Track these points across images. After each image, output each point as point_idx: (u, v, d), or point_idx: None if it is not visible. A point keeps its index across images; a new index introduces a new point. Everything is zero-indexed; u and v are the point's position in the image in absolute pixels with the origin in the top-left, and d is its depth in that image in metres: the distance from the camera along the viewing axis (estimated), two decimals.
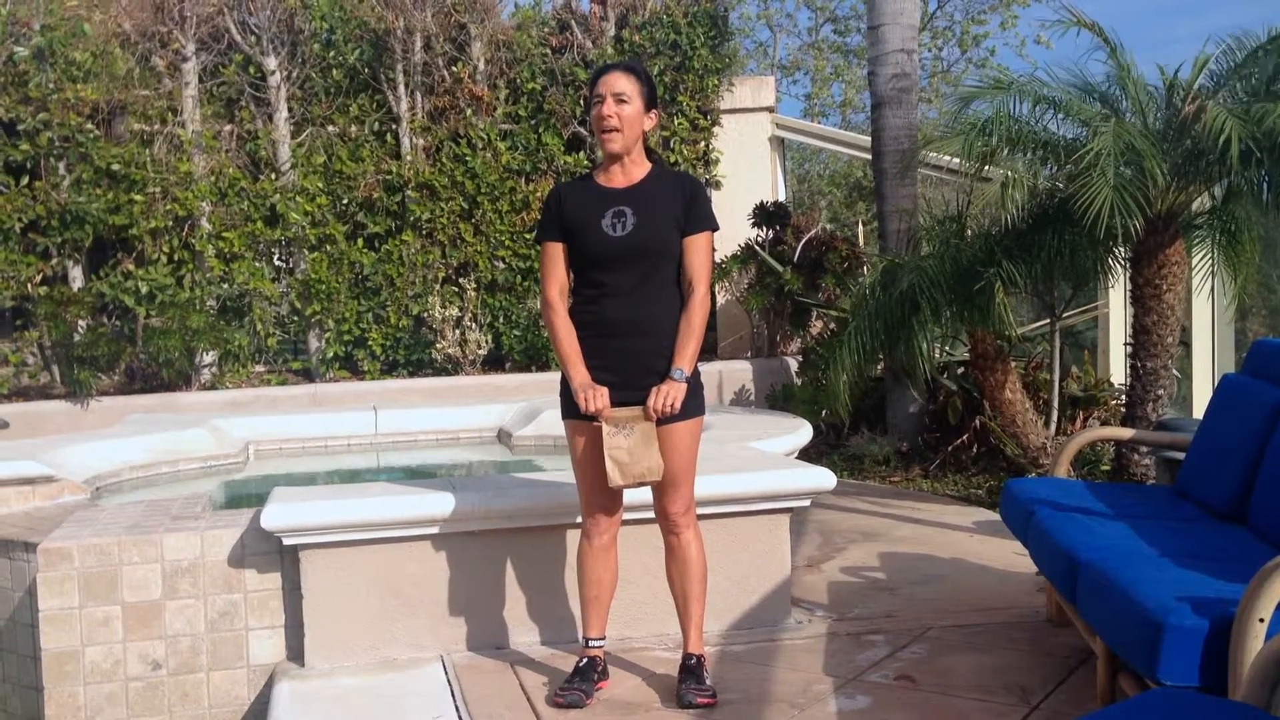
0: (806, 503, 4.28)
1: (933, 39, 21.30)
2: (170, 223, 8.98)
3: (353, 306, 9.46)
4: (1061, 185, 5.90)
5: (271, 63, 9.40)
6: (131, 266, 8.91)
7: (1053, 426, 6.49)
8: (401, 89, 9.59)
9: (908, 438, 7.72)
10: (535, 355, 9.52)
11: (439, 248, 9.53)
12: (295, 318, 9.53)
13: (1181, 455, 4.51)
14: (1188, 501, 4.03)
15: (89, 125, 8.71)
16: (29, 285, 8.64)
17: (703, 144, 9.96)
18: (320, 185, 9.36)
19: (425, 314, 9.46)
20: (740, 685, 3.57)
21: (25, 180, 8.65)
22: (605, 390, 3.31)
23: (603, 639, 3.58)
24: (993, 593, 4.57)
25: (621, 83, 3.37)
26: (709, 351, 9.69)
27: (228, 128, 9.46)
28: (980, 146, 5.73)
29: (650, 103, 3.44)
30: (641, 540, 3.98)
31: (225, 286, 9.21)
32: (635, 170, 3.44)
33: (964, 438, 7.29)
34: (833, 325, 8.69)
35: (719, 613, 4.08)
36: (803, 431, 5.82)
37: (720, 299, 9.87)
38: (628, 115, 3.37)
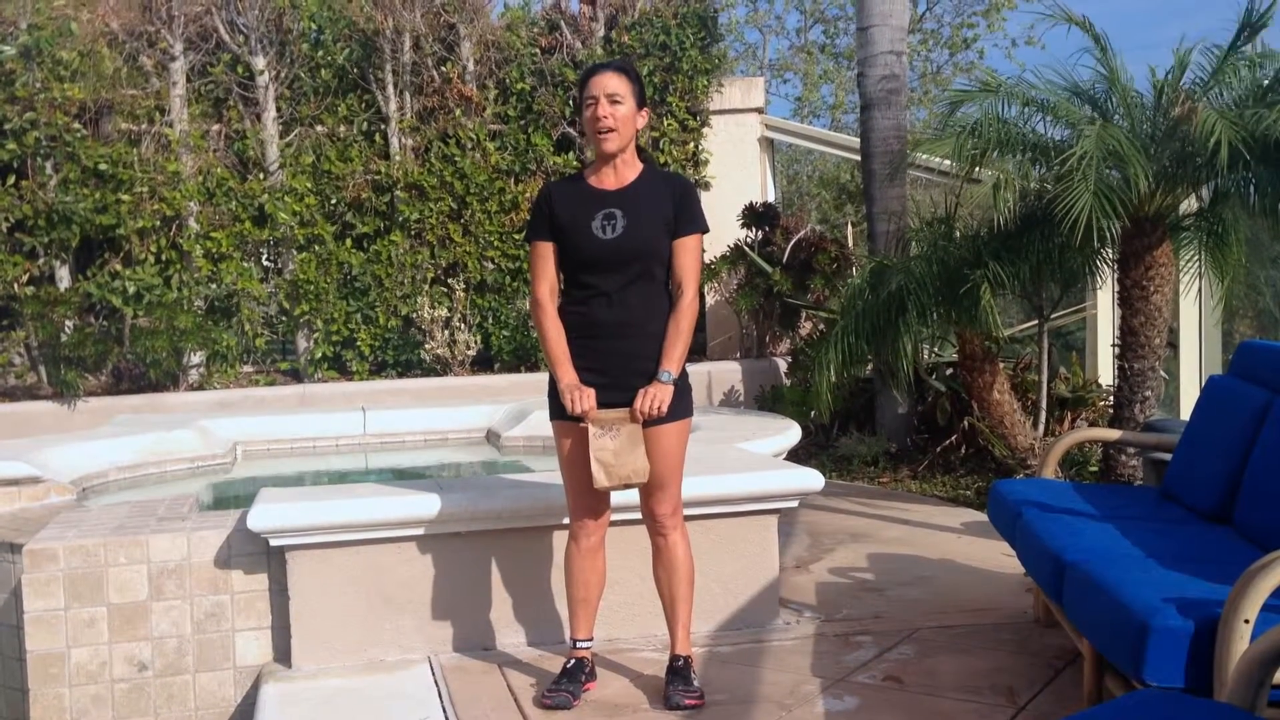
0: (794, 504, 4.28)
1: (921, 42, 21.35)
2: (158, 222, 8.95)
3: (341, 307, 9.44)
4: (1050, 187, 5.92)
5: (260, 62, 9.38)
6: (119, 266, 8.88)
7: (1041, 427, 6.51)
8: (390, 89, 9.57)
9: (896, 439, 7.73)
10: (524, 356, 9.51)
11: (428, 248, 9.51)
12: (283, 318, 9.51)
13: (1168, 456, 4.52)
14: (1174, 503, 4.04)
15: (76, 125, 8.68)
16: (15, 285, 8.60)
17: (692, 145, 9.96)
18: (309, 185, 9.34)
19: (414, 314, 9.45)
20: (727, 686, 3.57)
21: (12, 180, 8.61)
22: (592, 391, 3.31)
23: (590, 640, 3.58)
24: (980, 594, 4.57)
25: (614, 83, 3.37)
26: (698, 352, 9.70)
27: (215, 127, 9.44)
28: (969, 148, 5.75)
29: (641, 101, 3.44)
30: (629, 541, 3.97)
31: (213, 287, 9.19)
32: (627, 171, 3.44)
33: (952, 439, 7.30)
34: (822, 326, 8.70)
35: (707, 614, 4.08)
36: (791, 432, 5.82)
37: (709, 300, 9.88)
38: (622, 115, 3.36)
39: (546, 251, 3.45)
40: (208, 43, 9.37)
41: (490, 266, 9.61)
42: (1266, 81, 5.44)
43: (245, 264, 9.33)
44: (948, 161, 6.21)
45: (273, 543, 3.78)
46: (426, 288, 9.51)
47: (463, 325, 9.50)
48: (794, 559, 5.20)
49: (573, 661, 3.53)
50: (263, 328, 9.46)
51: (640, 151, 3.50)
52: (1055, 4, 5.92)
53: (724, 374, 9.21)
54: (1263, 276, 8.07)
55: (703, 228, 3.44)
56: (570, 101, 9.62)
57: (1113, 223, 5.17)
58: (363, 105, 9.62)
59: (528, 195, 9.48)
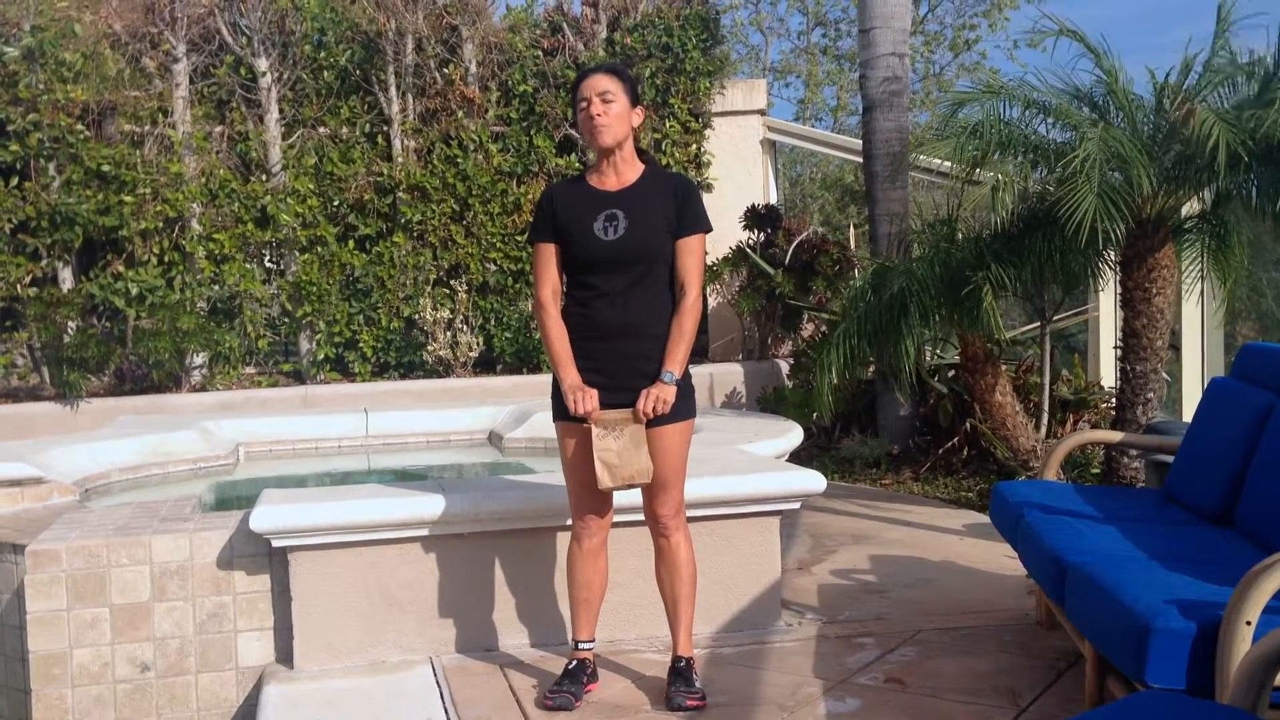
0: (796, 505, 4.28)
1: (924, 43, 21.34)
2: (160, 224, 8.96)
3: (344, 308, 9.45)
4: (1051, 189, 5.91)
5: (262, 64, 9.39)
6: (121, 268, 8.89)
7: (1043, 429, 6.50)
8: (393, 91, 9.59)
9: (898, 440, 7.73)
10: (526, 357, 9.52)
11: (430, 250, 9.52)
12: (286, 319, 9.52)
13: (1170, 458, 4.52)
14: (1176, 504, 4.04)
15: (79, 126, 8.70)
16: (18, 286, 8.62)
17: (694, 147, 9.97)
18: (311, 187, 9.35)
19: (416, 316, 9.45)
20: (729, 688, 3.57)
21: (15, 181, 8.62)
22: (595, 392, 3.32)
23: (592, 641, 3.58)
24: (982, 596, 4.57)
25: (604, 82, 3.39)
26: (700, 354, 9.70)
27: (218, 129, 9.45)
28: (971, 150, 5.75)
29: (634, 99, 3.45)
30: (631, 543, 3.97)
31: (216, 288, 9.20)
32: (628, 171, 3.45)
33: (954, 440, 7.30)
34: (824, 328, 8.70)
35: (709, 615, 4.08)
36: (793, 434, 5.82)
37: (712, 301, 9.89)
38: (616, 111, 3.38)
39: (549, 253, 3.46)
40: (210, 44, 9.39)
41: (492, 268, 9.62)
42: (1257, 84, 5.43)
43: (248, 265, 9.34)
44: (949, 163, 6.21)
45: (275, 544, 3.78)
46: (429, 289, 9.52)
47: (465, 327, 9.51)
48: (796, 560, 5.20)
49: (575, 662, 3.53)
50: (265, 329, 9.47)
51: (642, 153, 3.52)
52: (1046, 18, 5.93)
53: (726, 376, 9.20)
54: (1265, 279, 8.06)
55: (705, 227, 3.44)
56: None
57: (1117, 224, 5.17)
58: (365, 107, 9.63)
59: (530, 197, 9.49)
